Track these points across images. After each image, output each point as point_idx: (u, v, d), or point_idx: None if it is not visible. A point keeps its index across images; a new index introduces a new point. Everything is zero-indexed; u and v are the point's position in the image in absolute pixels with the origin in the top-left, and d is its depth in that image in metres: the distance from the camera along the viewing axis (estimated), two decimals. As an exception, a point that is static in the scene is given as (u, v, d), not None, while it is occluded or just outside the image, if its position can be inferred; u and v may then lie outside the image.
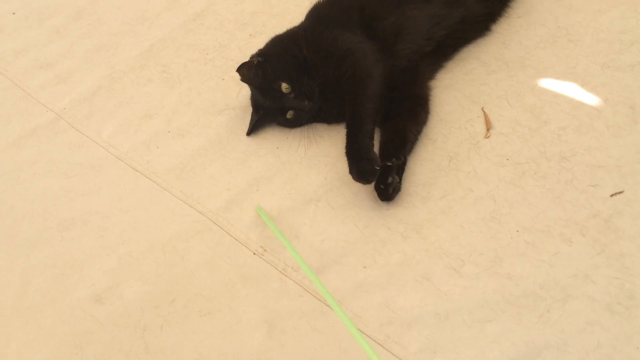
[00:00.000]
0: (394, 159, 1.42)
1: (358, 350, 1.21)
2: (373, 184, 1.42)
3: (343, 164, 1.51)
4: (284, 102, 1.53)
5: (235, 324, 1.29)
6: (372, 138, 1.43)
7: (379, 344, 1.21)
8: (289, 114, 1.56)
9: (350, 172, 1.39)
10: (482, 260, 1.30)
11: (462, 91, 1.64)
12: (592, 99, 1.53)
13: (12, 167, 1.68)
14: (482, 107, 1.58)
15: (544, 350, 1.14)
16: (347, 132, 1.44)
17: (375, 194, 1.43)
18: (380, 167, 1.37)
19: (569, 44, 1.67)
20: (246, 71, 1.54)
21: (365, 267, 1.34)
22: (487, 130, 1.52)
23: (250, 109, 1.66)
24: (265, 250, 1.41)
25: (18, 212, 1.57)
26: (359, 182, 1.38)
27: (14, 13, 2.17)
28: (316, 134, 1.62)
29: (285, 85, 1.51)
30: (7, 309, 1.38)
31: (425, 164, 1.50)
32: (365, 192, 1.47)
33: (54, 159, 1.69)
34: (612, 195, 1.34)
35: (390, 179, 1.39)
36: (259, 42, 1.81)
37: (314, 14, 1.70)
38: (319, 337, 1.25)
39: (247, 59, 1.79)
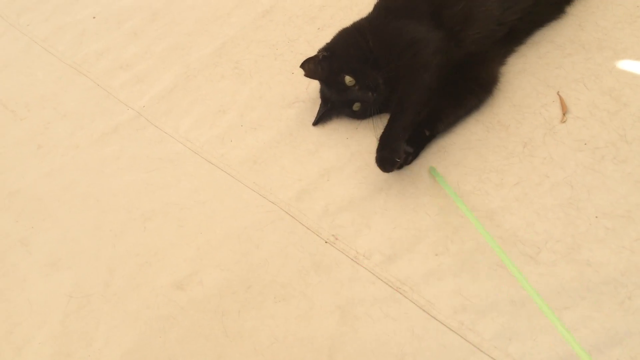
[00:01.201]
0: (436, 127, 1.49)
1: (431, 336, 1.21)
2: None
3: (413, 153, 1.52)
4: (349, 95, 1.55)
5: (309, 309, 1.32)
6: (407, 130, 1.43)
7: (453, 331, 1.21)
8: (356, 106, 1.57)
9: (375, 157, 1.41)
10: (559, 247, 1.27)
11: (536, 75, 1.59)
12: (676, 79, 1.46)
13: (96, 163, 1.78)
14: (558, 91, 1.53)
15: (626, 338, 1.10)
16: (389, 118, 1.45)
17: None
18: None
19: (649, 22, 1.60)
20: (310, 66, 1.57)
21: (437, 255, 1.34)
22: (564, 114, 1.48)
23: (319, 102, 1.68)
24: (336, 239, 1.43)
25: (103, 205, 1.67)
26: (379, 168, 1.40)
27: (94, 17, 2.29)
28: (384, 124, 1.62)
29: (349, 78, 1.53)
30: (96, 296, 1.47)
31: (498, 151, 1.47)
32: (435, 179, 1.46)
33: (135, 155, 1.78)
34: (700, 179, 1.28)
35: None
36: (327, 35, 1.83)
37: (381, 5, 1.70)
38: (391, 324, 1.26)
39: (315, 52, 1.82)
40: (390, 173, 1.46)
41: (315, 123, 1.67)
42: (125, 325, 1.40)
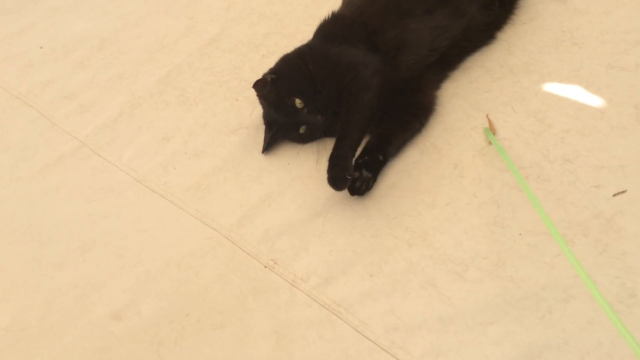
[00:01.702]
0: (366, 157, 1.50)
1: (364, 356, 1.24)
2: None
3: (351, 176, 1.56)
4: (297, 117, 1.59)
5: (246, 335, 1.34)
6: (354, 149, 1.48)
7: (385, 350, 1.24)
8: (302, 129, 1.61)
9: (327, 177, 1.44)
10: (485, 264, 1.32)
11: (467, 99, 1.66)
12: (595, 101, 1.53)
13: (39, 194, 1.78)
14: (487, 114, 1.59)
15: (545, 351, 1.14)
16: (336, 138, 1.49)
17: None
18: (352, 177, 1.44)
19: (573, 47, 1.68)
20: (261, 87, 1.61)
21: (372, 276, 1.37)
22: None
23: (262, 127, 1.72)
24: (275, 263, 1.45)
25: (44, 236, 1.66)
26: (332, 187, 1.43)
27: (41, 47, 2.30)
28: (327, 148, 1.66)
29: (298, 101, 1.57)
30: (33, 328, 1.46)
31: (431, 172, 1.52)
32: (372, 202, 1.50)
33: (78, 185, 1.78)
34: (614, 195, 1.34)
35: (357, 174, 1.46)
36: (272, 62, 1.87)
37: (319, 32, 1.75)
38: (326, 346, 1.28)
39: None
40: (332, 196, 1.52)
41: (265, 150, 1.69)
42: (61, 358, 1.39)
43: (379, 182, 1.53)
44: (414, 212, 1.46)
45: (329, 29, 1.74)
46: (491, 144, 1.49)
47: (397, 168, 1.56)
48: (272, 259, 1.46)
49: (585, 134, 1.48)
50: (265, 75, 1.66)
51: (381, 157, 1.54)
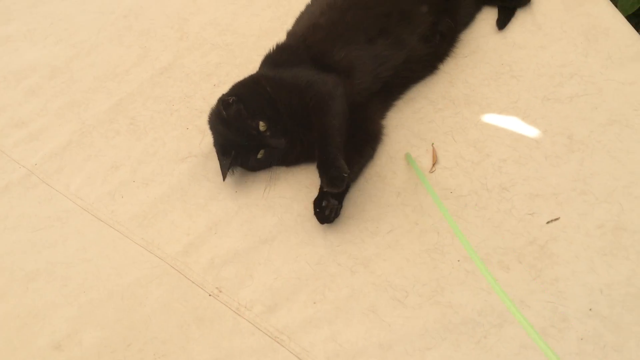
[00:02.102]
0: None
1: (304, 384, 1.25)
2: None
3: (298, 204, 1.60)
4: (260, 140, 1.58)
5: (188, 364, 1.33)
6: (341, 150, 1.47)
7: (325, 377, 1.25)
8: (260, 154, 1.60)
9: (322, 182, 1.44)
10: (425, 290, 1.35)
11: (411, 129, 1.71)
12: (531, 131, 1.60)
13: (-16, 223, 1.75)
14: (433, 143, 1.64)
15: (478, 376, 1.17)
16: (317, 150, 1.48)
17: (319, 224, 1.52)
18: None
19: (511, 79, 1.75)
20: (226, 107, 1.57)
21: (315, 303, 1.39)
22: (433, 165, 1.59)
23: (212, 156, 1.73)
24: (220, 292, 1.46)
25: (-14, 266, 1.64)
26: (330, 189, 1.43)
27: (-9, 75, 2.28)
28: (273, 176, 1.69)
29: (262, 124, 1.56)
30: (-29, 360, 1.43)
31: (375, 200, 1.56)
32: (317, 230, 1.53)
33: (24, 214, 1.76)
34: (548, 222, 1.40)
35: (324, 202, 1.48)
36: (223, 91, 1.89)
37: (266, 62, 1.78)
38: (268, 374, 1.29)
39: (211, 107, 1.90)
40: (278, 224, 1.55)
41: (225, 177, 1.63)
42: (-1, 390, 1.37)
43: (322, 211, 1.56)
44: (357, 240, 1.49)
45: (275, 58, 1.78)
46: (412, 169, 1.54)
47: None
48: (217, 287, 1.47)
49: (522, 163, 1.54)
50: (224, 97, 1.64)
51: None
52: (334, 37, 1.69)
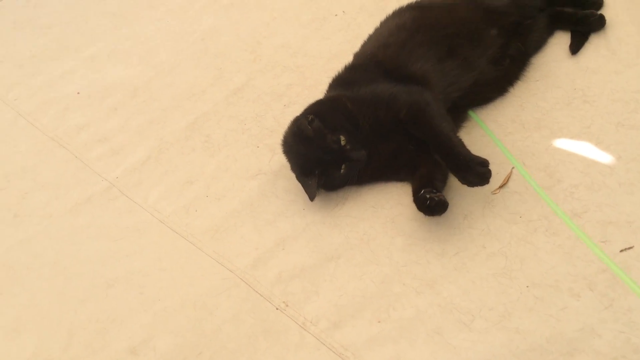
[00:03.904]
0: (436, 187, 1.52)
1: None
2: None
3: (364, 223, 1.63)
4: (341, 155, 1.60)
5: (256, 375, 1.38)
6: (466, 148, 1.50)
7: (388, 396, 1.26)
8: (342, 168, 1.62)
9: (464, 181, 1.46)
10: (491, 315, 1.34)
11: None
12: (605, 157, 1.58)
13: (67, 231, 1.87)
14: (513, 167, 1.63)
15: (546, 403, 1.16)
16: (440, 155, 1.52)
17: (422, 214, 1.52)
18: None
19: (584, 104, 1.73)
20: (308, 123, 1.59)
21: (379, 322, 1.41)
22: (499, 187, 1.58)
23: (281, 173, 1.79)
24: (287, 306, 1.50)
25: (70, 271, 1.74)
26: (479, 185, 1.45)
27: (78, 93, 2.43)
28: (340, 195, 1.72)
29: (343, 138, 1.60)
30: None
31: (441, 222, 1.57)
32: (382, 249, 1.55)
33: (105, 224, 1.87)
34: (621, 251, 1.37)
35: (429, 194, 1.46)
36: (293, 111, 1.97)
37: (337, 82, 1.83)
38: (332, 389, 1.31)
39: (281, 127, 1.96)
40: (344, 242, 1.58)
41: (314, 197, 1.64)
42: (79, 390, 1.45)
43: (388, 229, 1.58)
44: (423, 261, 1.50)
45: (347, 77, 1.81)
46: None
47: (408, 216, 1.61)
48: (283, 301, 1.51)
49: (594, 189, 1.51)
50: (299, 117, 1.68)
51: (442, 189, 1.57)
52: (406, 54, 1.72)
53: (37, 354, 1.55)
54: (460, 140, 1.53)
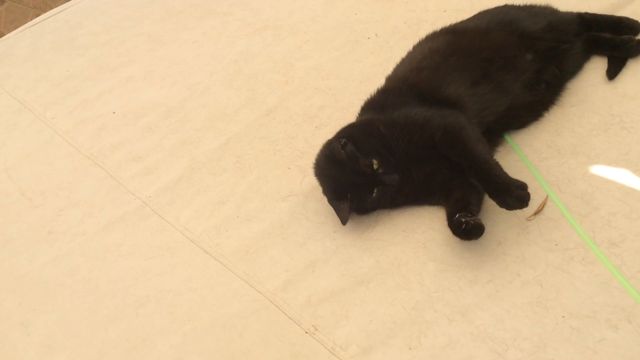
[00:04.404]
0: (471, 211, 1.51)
1: None
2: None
3: (395, 247, 1.62)
4: (374, 179, 1.60)
5: (284, 399, 1.36)
6: (502, 171, 1.49)
7: None
8: (375, 192, 1.62)
9: (503, 204, 1.44)
10: (526, 345, 1.31)
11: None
12: (644, 185, 1.54)
13: (101, 249, 1.89)
14: (547, 195, 1.60)
15: None
16: (477, 178, 1.51)
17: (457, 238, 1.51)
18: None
19: (622, 131, 1.70)
20: (341, 147, 1.59)
21: (410, 349, 1.39)
22: (534, 214, 1.56)
23: (311, 195, 1.79)
24: (316, 330, 1.49)
25: (102, 289, 1.76)
26: (518, 208, 1.43)
27: (114, 112, 2.48)
28: (371, 219, 1.72)
29: (375, 162, 1.60)
30: (84, 378, 1.54)
31: (474, 248, 1.54)
32: (414, 275, 1.53)
33: (137, 242, 1.89)
34: (662, 282, 1.33)
35: (464, 218, 1.45)
36: (325, 133, 1.98)
37: (369, 106, 1.83)
38: (362, 416, 1.29)
39: (312, 149, 1.97)
40: (375, 266, 1.57)
41: (347, 221, 1.64)
42: (108, 409, 1.46)
43: (420, 254, 1.57)
44: (455, 287, 1.48)
45: (380, 100, 1.81)
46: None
47: (440, 242, 1.59)
48: (313, 325, 1.50)
49: (633, 218, 1.48)
50: (331, 141, 1.69)
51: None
52: (440, 77, 1.72)
53: (68, 372, 1.57)
54: (497, 163, 1.52)
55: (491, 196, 1.48)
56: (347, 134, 1.69)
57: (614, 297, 1.33)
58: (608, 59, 1.88)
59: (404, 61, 1.95)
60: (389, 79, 1.91)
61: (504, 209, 1.47)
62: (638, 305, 1.30)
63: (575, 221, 1.44)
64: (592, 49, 1.91)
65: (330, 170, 1.66)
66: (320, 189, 1.73)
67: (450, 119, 1.61)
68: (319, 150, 1.75)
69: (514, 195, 1.42)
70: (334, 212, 1.71)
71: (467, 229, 1.44)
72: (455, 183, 1.62)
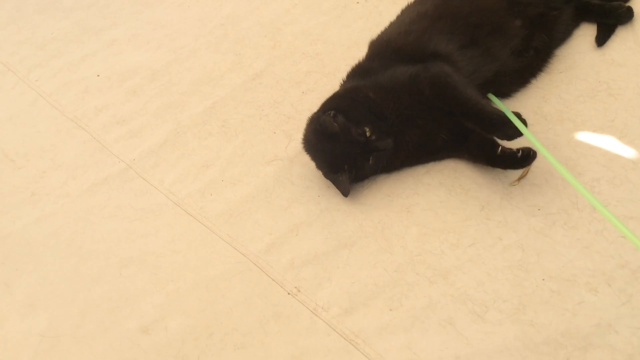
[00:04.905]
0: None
1: (377, 388, 1.25)
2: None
3: (379, 212, 1.62)
4: (369, 146, 1.57)
5: (266, 357, 1.37)
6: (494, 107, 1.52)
7: (398, 384, 1.25)
8: (372, 159, 1.60)
9: (503, 135, 1.48)
10: (506, 307, 1.33)
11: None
12: (628, 152, 1.54)
13: (84, 211, 1.88)
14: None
15: (558, 397, 1.14)
16: (472, 121, 1.53)
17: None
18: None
19: (609, 97, 1.69)
20: (332, 120, 1.57)
21: (391, 310, 1.40)
22: (519, 179, 1.55)
23: (297, 159, 1.78)
24: (299, 291, 1.49)
25: (85, 251, 1.75)
26: (518, 135, 1.45)
27: (98, 75, 2.44)
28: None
29: (368, 129, 1.57)
30: (67, 336, 1.54)
31: (458, 212, 1.55)
32: (397, 238, 1.54)
33: (121, 205, 1.88)
34: (642, 246, 1.33)
35: (499, 150, 1.52)
36: (310, 98, 1.97)
37: (355, 73, 1.80)
38: (342, 375, 1.30)
39: (298, 114, 1.95)
40: (358, 229, 1.57)
41: (348, 192, 1.62)
42: (90, 366, 1.46)
43: (403, 219, 1.57)
44: (437, 251, 1.48)
45: (366, 66, 1.79)
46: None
47: (423, 206, 1.59)
48: (295, 287, 1.50)
49: (616, 184, 1.48)
50: (316, 115, 1.67)
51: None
52: (427, 38, 1.70)
53: (50, 330, 1.57)
54: (487, 101, 1.54)
55: (490, 132, 1.51)
56: (334, 105, 1.66)
57: (595, 261, 1.34)
58: (597, 26, 1.87)
59: (391, 25, 1.92)
60: (372, 43, 1.88)
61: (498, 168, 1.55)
62: (618, 268, 1.31)
63: (570, 174, 1.42)
64: (582, 15, 1.89)
65: (322, 144, 1.63)
66: (304, 152, 1.71)
67: (434, 70, 1.60)
68: (306, 125, 1.71)
69: (510, 124, 1.44)
70: (319, 175, 1.70)
71: (524, 154, 1.47)
72: (463, 131, 1.62)
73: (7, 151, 2.20)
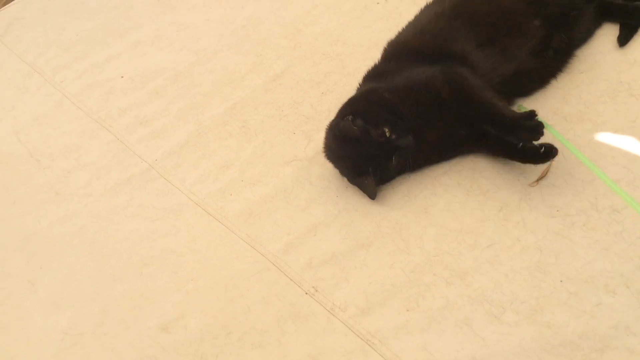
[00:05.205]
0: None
1: (393, 388, 1.26)
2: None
3: (396, 212, 1.62)
4: (391, 146, 1.57)
5: (283, 357, 1.39)
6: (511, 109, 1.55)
7: (414, 384, 1.26)
8: (395, 158, 1.60)
9: (518, 139, 1.50)
10: (523, 308, 1.32)
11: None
12: (649, 153, 1.52)
13: (107, 211, 1.92)
14: (552, 160, 1.58)
15: (575, 400, 1.13)
16: (489, 123, 1.56)
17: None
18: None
19: (630, 98, 1.67)
20: (350, 125, 1.57)
21: (408, 310, 1.40)
22: (538, 179, 1.55)
23: (315, 160, 1.80)
24: (316, 291, 1.51)
25: (107, 250, 1.79)
26: (533, 139, 1.46)
27: (122, 77, 2.48)
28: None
29: (387, 130, 1.57)
30: (88, 334, 1.58)
31: (475, 213, 1.55)
32: (414, 239, 1.54)
33: (143, 204, 1.91)
34: (662, 248, 1.32)
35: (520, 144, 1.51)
36: (330, 99, 1.97)
37: (371, 76, 1.81)
38: (358, 375, 1.31)
39: (318, 114, 1.96)
40: (375, 229, 1.58)
41: (375, 195, 1.63)
42: (111, 363, 1.50)
43: (421, 219, 1.57)
44: (455, 252, 1.48)
45: (382, 68, 1.80)
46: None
47: (441, 207, 1.59)
48: (313, 287, 1.52)
49: (636, 185, 1.47)
50: (334, 122, 1.68)
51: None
52: (444, 38, 1.70)
53: (72, 328, 1.61)
54: (505, 103, 1.55)
55: (507, 136, 1.52)
56: (351, 110, 1.66)
57: (613, 263, 1.33)
58: (620, 26, 1.84)
59: (408, 26, 1.92)
60: (389, 45, 1.88)
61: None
62: (637, 270, 1.30)
63: (596, 167, 1.41)
64: (604, 15, 1.87)
65: (344, 150, 1.64)
66: (323, 154, 1.72)
67: (451, 73, 1.61)
68: (325, 134, 1.72)
69: (525, 128, 1.45)
70: (337, 176, 1.71)
71: (547, 150, 1.46)
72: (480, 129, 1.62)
73: (33, 151, 2.25)
